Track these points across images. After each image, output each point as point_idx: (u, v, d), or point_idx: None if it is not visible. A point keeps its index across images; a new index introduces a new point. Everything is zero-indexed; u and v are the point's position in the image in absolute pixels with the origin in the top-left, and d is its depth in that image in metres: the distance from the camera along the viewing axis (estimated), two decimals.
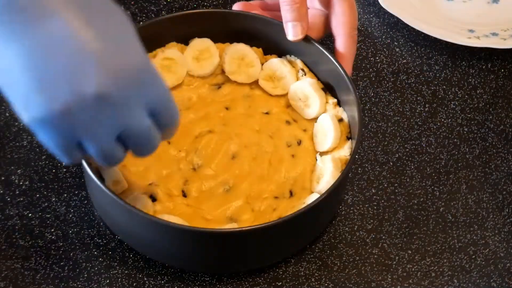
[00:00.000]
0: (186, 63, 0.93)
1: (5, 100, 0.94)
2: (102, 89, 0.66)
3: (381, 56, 1.05)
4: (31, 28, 0.64)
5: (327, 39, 0.96)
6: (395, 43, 1.06)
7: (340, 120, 0.90)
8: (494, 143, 0.98)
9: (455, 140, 0.98)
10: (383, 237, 0.89)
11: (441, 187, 0.94)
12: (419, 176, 0.94)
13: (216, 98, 0.93)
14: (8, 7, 0.63)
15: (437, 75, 1.04)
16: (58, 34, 0.64)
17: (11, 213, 0.87)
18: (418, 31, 1.05)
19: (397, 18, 1.06)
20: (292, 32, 0.90)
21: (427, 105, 1.01)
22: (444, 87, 1.03)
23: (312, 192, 0.86)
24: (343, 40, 0.92)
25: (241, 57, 0.94)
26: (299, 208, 0.82)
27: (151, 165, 0.86)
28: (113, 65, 0.66)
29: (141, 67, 0.69)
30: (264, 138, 0.90)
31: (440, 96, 1.02)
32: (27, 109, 0.65)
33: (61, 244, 0.86)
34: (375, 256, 0.88)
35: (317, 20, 0.94)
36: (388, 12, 1.06)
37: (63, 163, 0.74)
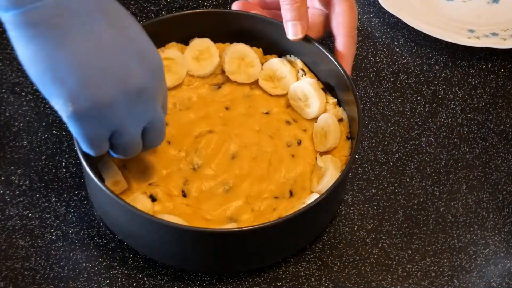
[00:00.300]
0: (186, 63, 0.93)
1: (5, 100, 0.95)
2: (144, 84, 0.74)
3: (381, 56, 1.05)
4: (83, 32, 0.70)
5: (327, 39, 0.96)
6: (395, 43, 1.06)
7: (340, 120, 0.90)
8: (494, 143, 0.98)
9: (455, 140, 0.98)
10: (383, 237, 0.89)
11: (441, 187, 0.94)
12: (419, 176, 0.94)
13: (216, 98, 0.93)
14: (61, 13, 0.69)
15: (437, 75, 1.04)
16: (105, 37, 0.71)
17: (11, 213, 0.87)
18: (418, 31, 1.05)
19: (397, 18, 1.06)
20: (292, 31, 0.91)
21: (427, 105, 1.01)
22: (444, 87, 1.03)
23: (312, 192, 0.86)
24: (343, 40, 0.92)
25: (241, 57, 0.94)
26: (299, 208, 0.82)
27: (151, 165, 0.86)
28: (150, 62, 0.75)
29: (162, 64, 0.77)
30: (264, 138, 0.90)
31: (440, 96, 1.02)
32: (73, 103, 0.71)
33: (61, 244, 0.86)
34: (375, 256, 0.88)
35: (317, 20, 0.94)
36: (388, 12, 1.06)
37: (89, 154, 0.78)
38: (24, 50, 0.70)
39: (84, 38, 0.70)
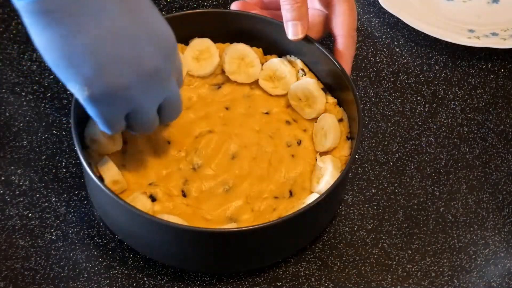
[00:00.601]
0: (186, 63, 0.93)
1: (5, 100, 0.95)
2: (157, 65, 0.75)
3: (381, 56, 1.05)
4: (96, 19, 0.71)
5: (327, 39, 0.96)
6: (395, 43, 1.06)
7: (340, 120, 0.90)
8: (494, 143, 0.98)
9: (455, 140, 0.98)
10: (383, 237, 0.89)
11: (441, 187, 0.94)
12: (419, 176, 0.94)
13: (216, 98, 0.93)
14: (75, 0, 0.70)
15: (437, 75, 1.04)
16: (117, 23, 0.73)
17: (11, 213, 0.87)
18: (418, 31, 1.05)
19: (397, 18, 1.06)
20: (292, 32, 0.91)
21: (427, 105, 1.01)
22: (444, 87, 1.03)
23: (312, 192, 0.86)
24: (343, 40, 0.92)
25: (241, 57, 0.94)
26: (299, 208, 0.82)
27: (151, 165, 0.86)
28: (162, 43, 0.76)
29: (175, 42, 0.78)
30: (264, 138, 0.90)
31: (440, 96, 1.02)
32: (90, 87, 0.73)
33: (61, 244, 0.86)
34: (375, 256, 0.88)
35: (317, 20, 0.94)
36: (388, 12, 1.06)
37: (109, 133, 0.80)
38: (40, 37, 0.72)
39: (98, 25, 0.72)
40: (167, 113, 0.82)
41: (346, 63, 0.92)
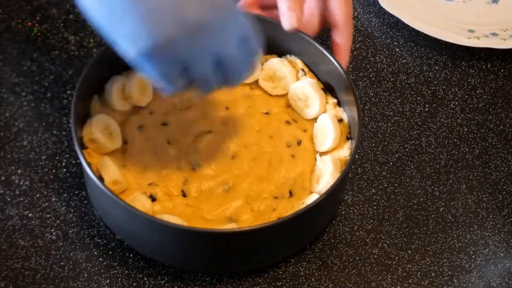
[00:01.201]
0: None
1: (5, 100, 0.95)
2: (202, 17, 0.73)
3: (381, 56, 1.05)
4: None
5: (327, 39, 0.96)
6: (395, 43, 1.06)
7: (340, 120, 0.90)
8: (494, 143, 0.98)
9: (455, 140, 0.98)
10: (383, 237, 0.89)
11: (441, 187, 0.94)
12: (419, 176, 0.94)
13: (216, 98, 0.93)
14: None
15: (437, 75, 1.04)
16: None
17: (11, 213, 0.87)
18: (418, 31, 1.05)
19: (397, 18, 1.06)
20: (288, 22, 0.91)
21: (427, 105, 1.01)
22: (444, 87, 1.03)
23: (311, 193, 0.86)
24: (339, 31, 0.93)
25: None
26: (298, 208, 0.82)
27: (151, 165, 0.86)
28: None
29: (232, 2, 0.76)
30: (264, 138, 0.90)
31: (440, 96, 1.02)
32: (135, 44, 0.72)
33: (61, 244, 0.86)
34: (375, 256, 0.88)
35: (313, 14, 0.94)
36: (388, 12, 1.06)
37: (169, 92, 0.78)
38: (82, 1, 0.72)
39: None
40: (226, 73, 0.78)
41: (343, 54, 0.93)
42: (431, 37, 1.05)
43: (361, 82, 1.02)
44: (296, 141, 0.91)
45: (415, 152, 0.96)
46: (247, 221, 0.84)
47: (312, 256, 0.87)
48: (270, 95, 0.94)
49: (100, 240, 0.86)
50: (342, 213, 0.90)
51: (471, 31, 1.06)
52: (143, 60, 0.73)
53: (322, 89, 0.93)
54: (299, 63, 0.94)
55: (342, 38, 0.93)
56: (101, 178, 0.83)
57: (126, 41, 0.72)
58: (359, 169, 0.94)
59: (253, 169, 0.87)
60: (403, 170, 0.95)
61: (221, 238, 0.80)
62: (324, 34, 0.97)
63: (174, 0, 0.72)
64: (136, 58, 0.73)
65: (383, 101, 1.01)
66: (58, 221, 0.87)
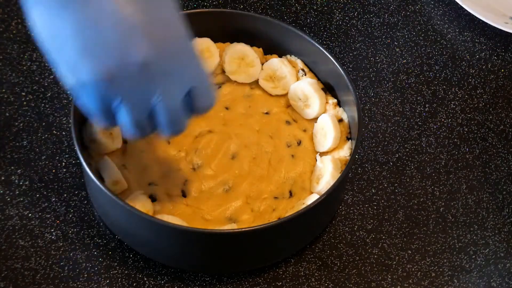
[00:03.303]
0: None
1: (4, 100, 0.95)
2: (146, 58, 0.69)
3: (381, 56, 1.05)
4: (83, 1, 0.68)
5: (327, 39, 0.96)
6: (395, 43, 1.06)
7: (340, 120, 0.90)
8: (494, 143, 0.98)
9: (455, 140, 0.98)
10: (383, 237, 0.89)
11: (441, 187, 0.94)
12: (419, 176, 0.94)
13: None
14: None
15: (437, 75, 1.04)
16: (107, 6, 0.68)
17: (11, 213, 0.87)
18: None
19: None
20: None
21: (427, 105, 1.01)
22: (444, 87, 1.03)
23: (311, 193, 0.86)
24: None
25: (241, 57, 0.94)
26: (298, 208, 0.82)
27: (150, 165, 0.86)
28: (158, 36, 0.70)
29: (183, 41, 0.72)
30: (264, 138, 0.90)
31: (440, 96, 1.02)
32: (74, 72, 0.70)
33: (61, 244, 0.85)
34: (375, 256, 0.88)
35: None
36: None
37: (101, 127, 0.77)
38: (28, 17, 0.70)
39: (85, 7, 0.68)
40: (160, 120, 0.74)
41: None
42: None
43: (361, 82, 1.02)
44: (296, 141, 0.91)
45: (415, 152, 0.96)
46: (247, 221, 0.84)
47: (312, 256, 0.87)
48: (270, 95, 0.94)
49: (100, 240, 0.86)
50: (342, 213, 0.90)
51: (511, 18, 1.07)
52: (80, 90, 0.71)
53: (322, 89, 0.93)
54: (299, 63, 0.94)
55: None
56: (101, 178, 0.83)
57: (66, 67, 0.70)
58: (359, 169, 0.94)
59: (253, 169, 0.87)
60: (403, 170, 0.95)
61: (221, 238, 0.80)
62: (325, 34, 0.97)
63: (121, 36, 0.69)
64: (74, 86, 0.71)
65: (383, 101, 1.01)
66: (58, 221, 0.87)
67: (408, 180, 0.94)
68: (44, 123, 0.94)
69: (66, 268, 0.84)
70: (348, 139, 0.90)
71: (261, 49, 0.95)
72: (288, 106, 0.93)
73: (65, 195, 0.89)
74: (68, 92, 0.73)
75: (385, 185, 0.93)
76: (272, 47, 0.95)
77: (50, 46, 0.70)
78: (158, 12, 0.71)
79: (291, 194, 0.87)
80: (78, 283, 0.83)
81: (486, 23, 1.06)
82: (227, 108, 0.92)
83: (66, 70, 0.70)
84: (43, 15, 0.69)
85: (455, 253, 0.89)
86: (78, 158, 0.88)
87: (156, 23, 0.70)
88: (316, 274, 0.86)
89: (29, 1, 0.70)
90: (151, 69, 0.70)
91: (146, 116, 0.73)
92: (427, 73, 1.04)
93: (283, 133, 0.91)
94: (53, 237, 0.86)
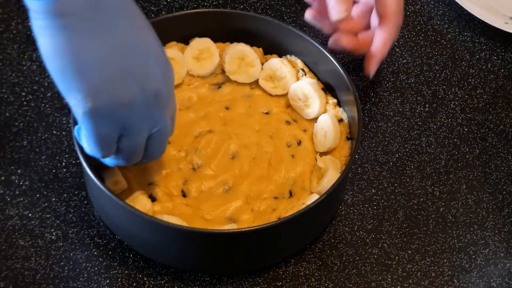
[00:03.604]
0: (186, 62, 0.93)
1: (4, 100, 0.95)
2: (159, 87, 0.74)
3: None
4: (111, 29, 0.71)
5: (328, 39, 0.96)
6: (395, 43, 1.06)
7: (340, 120, 0.90)
8: (494, 143, 0.98)
9: (455, 140, 0.98)
10: (383, 237, 0.89)
11: (441, 187, 0.94)
12: (419, 176, 0.94)
13: (216, 98, 0.93)
14: (93, 6, 0.70)
15: (437, 75, 1.04)
16: (132, 36, 0.72)
17: (11, 213, 0.87)
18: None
19: None
20: (336, 10, 0.89)
21: (427, 105, 1.01)
22: (444, 87, 1.03)
23: (311, 193, 0.86)
24: (386, 22, 0.92)
25: (241, 57, 0.94)
26: (298, 208, 0.82)
27: (151, 165, 0.86)
28: (165, 66, 0.76)
29: (173, 71, 0.78)
30: (264, 138, 0.90)
31: (440, 96, 1.02)
32: (94, 98, 0.71)
33: (61, 244, 0.86)
34: (375, 256, 0.88)
35: (363, 11, 0.96)
36: None
37: (94, 156, 0.78)
38: (50, 40, 0.70)
39: (112, 35, 0.71)
40: (153, 146, 0.79)
41: (384, 46, 0.93)
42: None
43: (361, 82, 1.02)
44: (296, 141, 0.91)
45: (415, 152, 0.96)
46: (247, 221, 0.84)
47: (312, 256, 0.87)
48: (270, 95, 0.94)
49: (100, 240, 0.86)
50: (342, 213, 0.90)
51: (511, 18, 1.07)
52: (92, 117, 0.72)
53: (322, 89, 0.93)
54: (299, 63, 0.94)
55: (388, 31, 0.92)
56: (101, 178, 0.83)
57: (84, 93, 0.71)
58: (359, 169, 0.94)
59: (253, 169, 0.87)
60: (403, 170, 0.95)
61: (221, 238, 0.80)
62: (325, 34, 0.97)
63: (142, 67, 0.73)
64: (85, 114, 0.72)
65: (383, 101, 1.01)
66: (58, 221, 0.87)
67: (408, 180, 0.94)
68: (44, 123, 0.94)
69: (66, 268, 0.84)
70: (348, 139, 0.90)
71: (261, 49, 0.95)
72: (288, 106, 0.93)
73: (65, 195, 0.89)
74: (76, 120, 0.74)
75: (385, 185, 0.93)
76: (272, 47, 0.95)
77: (71, 70, 0.71)
78: (157, 44, 0.76)
79: (291, 194, 0.87)
80: (78, 283, 0.83)
81: (486, 23, 1.06)
82: (227, 108, 0.92)
83: (85, 95, 0.71)
84: (67, 41, 0.70)
85: (455, 253, 0.89)
86: (78, 158, 0.89)
87: (164, 54, 0.76)
88: (316, 274, 0.86)
89: (51, 29, 0.69)
90: (160, 97, 0.75)
91: (144, 141, 0.77)
92: (427, 73, 1.04)
93: (283, 133, 0.91)
94: (53, 237, 0.86)
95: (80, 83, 0.71)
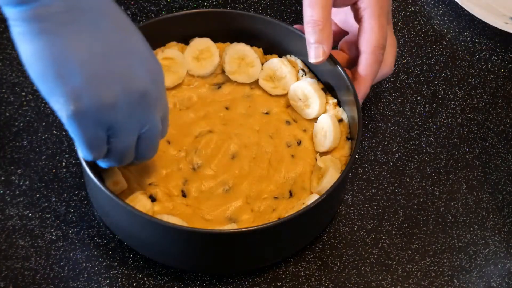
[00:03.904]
0: (186, 62, 0.93)
1: (4, 100, 0.95)
2: (145, 88, 0.74)
3: None
4: (91, 31, 0.71)
5: None
6: None
7: (340, 120, 0.90)
8: (494, 143, 0.98)
9: (455, 140, 0.98)
10: (383, 237, 0.89)
11: (441, 187, 0.94)
12: (419, 176, 0.94)
13: (216, 98, 0.93)
14: (70, 10, 0.70)
15: (437, 75, 1.04)
16: (116, 36, 0.72)
17: (11, 213, 0.87)
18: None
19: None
20: (314, 54, 0.89)
21: (427, 105, 1.01)
22: (444, 87, 1.03)
23: (311, 193, 0.86)
24: (364, 58, 0.89)
25: (241, 57, 0.94)
26: (298, 208, 0.82)
27: (150, 165, 0.86)
28: (152, 68, 0.76)
29: (163, 73, 0.77)
30: (264, 138, 0.90)
31: (440, 96, 1.02)
32: (77, 100, 0.71)
33: (61, 244, 0.86)
34: (375, 256, 0.88)
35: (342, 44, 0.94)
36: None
37: (86, 159, 0.78)
38: (30, 46, 0.70)
39: (91, 36, 0.71)
40: (144, 147, 0.79)
41: (364, 83, 0.89)
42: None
43: None
44: (296, 141, 0.91)
45: (415, 152, 0.96)
46: (247, 221, 0.84)
47: (312, 256, 0.87)
48: (270, 95, 0.94)
49: (100, 240, 0.86)
50: (342, 213, 0.90)
51: (511, 18, 1.07)
52: (76, 120, 0.72)
53: (322, 89, 0.93)
54: (299, 63, 0.94)
55: (365, 65, 0.89)
56: (101, 178, 0.83)
57: (66, 96, 0.71)
58: (359, 169, 0.94)
59: (253, 169, 0.87)
60: (403, 170, 0.95)
61: (221, 239, 0.80)
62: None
63: (125, 67, 0.73)
64: (69, 117, 0.72)
65: (383, 101, 1.01)
66: (58, 221, 0.87)
67: (408, 180, 0.94)
68: (44, 123, 0.94)
69: (66, 268, 0.84)
70: (348, 139, 0.90)
71: (261, 49, 0.95)
72: (288, 106, 0.93)
73: (65, 195, 0.89)
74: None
75: (385, 185, 0.93)
76: (272, 47, 0.95)
77: (52, 74, 0.70)
78: (144, 46, 0.76)
79: (291, 194, 0.87)
80: (78, 283, 0.83)
81: (486, 23, 1.06)
82: (227, 108, 0.92)
83: (67, 98, 0.71)
84: (46, 46, 0.69)
85: (455, 253, 0.89)
86: (78, 158, 0.89)
87: (152, 54, 0.76)
88: (316, 274, 0.86)
89: (29, 34, 0.69)
90: (148, 97, 0.74)
91: (134, 143, 0.77)
92: (427, 73, 1.04)
93: (283, 133, 0.91)
94: (53, 237, 0.86)
95: (62, 86, 0.70)
